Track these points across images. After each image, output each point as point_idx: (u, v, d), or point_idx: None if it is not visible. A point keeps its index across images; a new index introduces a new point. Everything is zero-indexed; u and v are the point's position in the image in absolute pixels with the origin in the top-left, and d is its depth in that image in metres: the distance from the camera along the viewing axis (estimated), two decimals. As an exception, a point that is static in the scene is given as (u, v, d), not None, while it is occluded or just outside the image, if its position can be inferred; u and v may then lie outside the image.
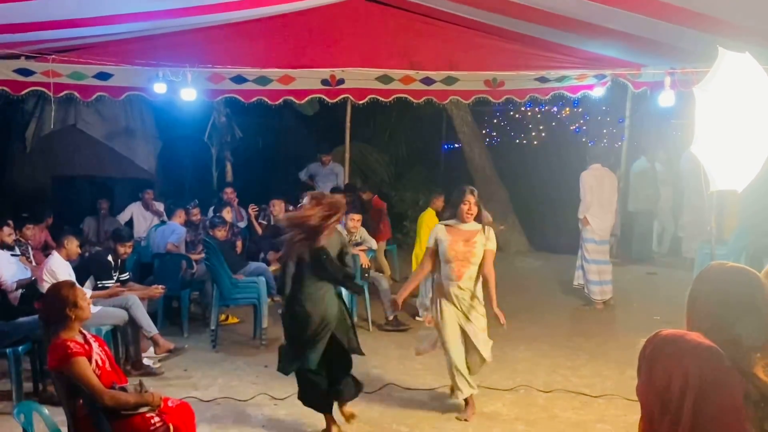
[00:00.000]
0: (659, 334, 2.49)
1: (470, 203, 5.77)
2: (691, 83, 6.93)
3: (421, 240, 8.97)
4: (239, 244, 9.59)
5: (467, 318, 5.82)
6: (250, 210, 10.14)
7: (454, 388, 5.94)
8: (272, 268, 9.26)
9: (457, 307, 5.81)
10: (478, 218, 5.84)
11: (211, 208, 10.35)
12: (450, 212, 5.93)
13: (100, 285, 7.17)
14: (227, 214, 9.61)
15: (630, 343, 7.36)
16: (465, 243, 5.77)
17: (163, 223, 9.89)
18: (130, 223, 10.81)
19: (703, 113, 4.34)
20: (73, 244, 7.05)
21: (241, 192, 10.95)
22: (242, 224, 10.27)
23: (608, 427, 5.68)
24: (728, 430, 2.19)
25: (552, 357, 7.46)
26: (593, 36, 7.96)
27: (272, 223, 10.19)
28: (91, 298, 6.13)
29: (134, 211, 10.99)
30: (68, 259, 7.00)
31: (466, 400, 5.91)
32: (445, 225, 5.89)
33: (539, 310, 9.44)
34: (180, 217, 9.33)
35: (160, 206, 10.82)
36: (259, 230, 10.11)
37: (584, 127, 17.84)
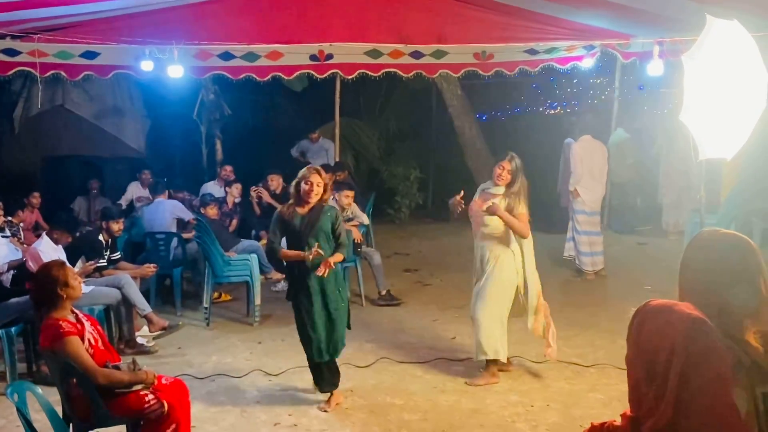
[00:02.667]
0: (648, 304, 2.49)
1: (504, 169, 5.97)
2: (679, 52, 6.91)
3: None
4: (234, 222, 9.59)
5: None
6: (255, 193, 10.08)
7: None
8: (263, 241, 9.29)
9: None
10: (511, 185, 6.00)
11: (211, 183, 10.38)
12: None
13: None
14: (236, 190, 9.68)
15: (621, 313, 7.43)
16: (483, 203, 6.01)
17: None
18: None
19: (692, 82, 4.33)
20: (63, 237, 7.03)
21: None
22: (236, 200, 10.25)
23: (600, 396, 5.73)
24: (714, 402, 2.20)
25: (544, 328, 7.49)
26: (582, 7, 7.94)
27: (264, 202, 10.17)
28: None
29: (134, 190, 11.02)
30: (57, 243, 6.98)
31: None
32: (484, 187, 6.23)
33: (531, 282, 9.45)
34: (165, 195, 9.33)
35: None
36: (258, 211, 10.06)
37: (573, 99, 17.79)
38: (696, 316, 2.29)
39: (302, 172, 5.53)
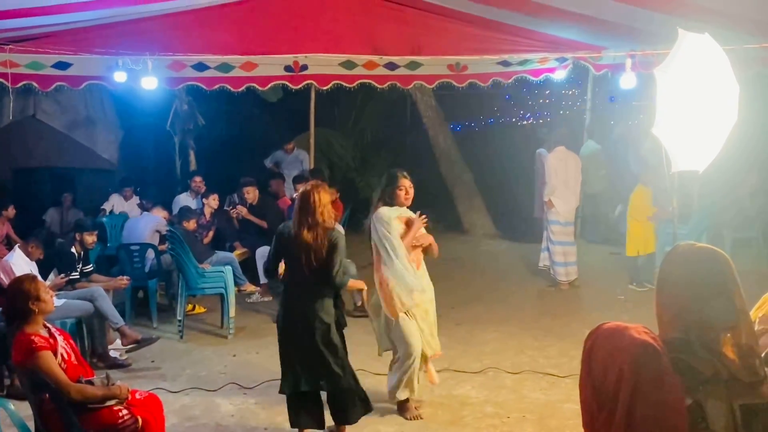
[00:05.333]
0: (601, 327, 2.48)
1: (406, 187, 5.56)
2: (651, 65, 7.00)
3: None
4: (210, 234, 9.55)
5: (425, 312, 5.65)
6: (232, 213, 10.02)
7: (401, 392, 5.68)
8: (237, 252, 9.27)
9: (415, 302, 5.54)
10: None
11: (184, 195, 10.34)
12: (388, 198, 5.57)
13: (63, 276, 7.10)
14: (214, 201, 9.65)
15: (596, 323, 7.46)
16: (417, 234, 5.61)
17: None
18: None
19: (664, 95, 4.38)
20: (37, 251, 6.96)
21: (204, 180, 10.87)
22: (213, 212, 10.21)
23: (575, 407, 5.69)
24: (663, 429, 2.21)
25: (519, 338, 7.53)
26: (555, 19, 8.00)
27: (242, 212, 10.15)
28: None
29: (115, 202, 10.94)
30: (31, 258, 6.90)
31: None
32: (400, 214, 5.59)
33: (506, 292, 9.51)
34: (160, 212, 9.31)
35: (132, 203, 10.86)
36: (237, 223, 10.03)
37: (546, 111, 17.96)
38: (644, 341, 2.28)
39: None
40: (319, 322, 4.91)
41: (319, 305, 4.93)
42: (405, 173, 5.64)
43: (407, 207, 5.66)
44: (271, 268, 5.23)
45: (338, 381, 5.04)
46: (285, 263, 5.08)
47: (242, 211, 9.75)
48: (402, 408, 5.70)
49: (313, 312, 4.91)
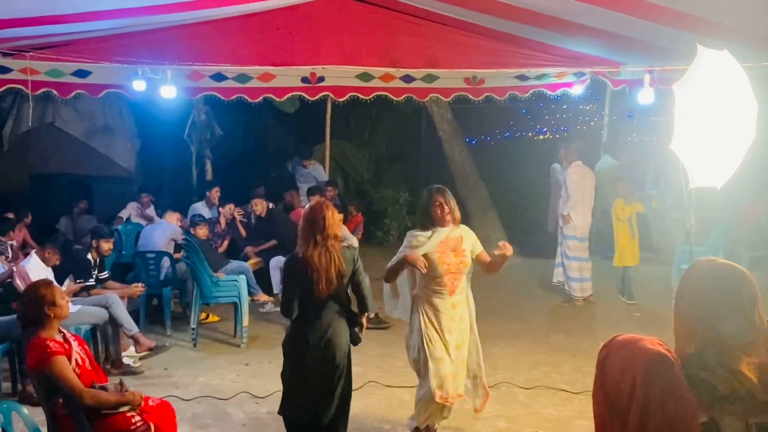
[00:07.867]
0: (615, 338, 2.47)
1: (441, 202, 5.11)
2: (670, 81, 6.98)
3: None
4: (225, 243, 9.60)
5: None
6: (235, 213, 10.10)
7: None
8: (251, 261, 9.30)
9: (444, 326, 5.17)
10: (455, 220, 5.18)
11: (200, 204, 10.43)
12: (424, 219, 5.21)
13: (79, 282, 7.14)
14: (229, 211, 9.76)
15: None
16: (455, 254, 5.15)
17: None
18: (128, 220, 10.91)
19: (682, 110, 4.35)
20: (54, 257, 7.00)
21: (220, 190, 10.92)
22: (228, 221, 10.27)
23: (588, 424, 5.67)
24: None
25: (533, 353, 7.50)
26: (573, 34, 7.99)
27: (254, 223, 10.21)
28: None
29: (133, 211, 11.00)
30: (47, 264, 6.95)
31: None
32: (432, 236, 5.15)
33: (520, 307, 9.49)
34: (172, 216, 9.35)
35: (151, 211, 10.90)
36: (243, 232, 10.09)
37: (564, 126, 17.91)
38: (658, 351, 2.27)
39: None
40: (339, 345, 4.68)
41: (338, 329, 4.67)
42: (440, 187, 5.21)
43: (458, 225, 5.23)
44: (289, 307, 4.62)
45: (344, 406, 4.84)
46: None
47: (237, 213, 9.90)
48: None
49: (334, 337, 4.65)
